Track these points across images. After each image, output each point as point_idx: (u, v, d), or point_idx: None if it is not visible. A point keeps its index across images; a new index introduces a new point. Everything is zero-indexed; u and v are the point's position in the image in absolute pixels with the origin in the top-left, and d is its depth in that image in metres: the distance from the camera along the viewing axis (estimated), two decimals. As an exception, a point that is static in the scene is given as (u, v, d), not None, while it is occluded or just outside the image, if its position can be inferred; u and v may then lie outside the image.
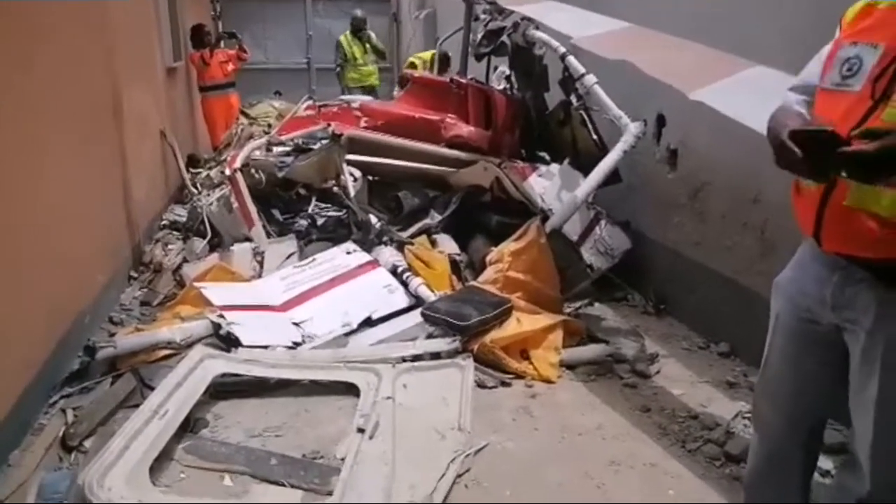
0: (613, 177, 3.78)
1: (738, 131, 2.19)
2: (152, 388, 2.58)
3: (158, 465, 2.22)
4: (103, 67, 3.96)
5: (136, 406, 2.46)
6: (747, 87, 2.30)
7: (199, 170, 6.21)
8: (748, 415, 2.55)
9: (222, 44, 7.81)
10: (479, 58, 4.60)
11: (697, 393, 2.89)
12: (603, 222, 3.87)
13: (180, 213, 5.22)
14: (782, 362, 1.64)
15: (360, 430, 2.37)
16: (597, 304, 3.81)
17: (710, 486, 2.27)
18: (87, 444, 2.41)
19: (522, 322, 3.13)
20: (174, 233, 4.82)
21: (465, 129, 4.28)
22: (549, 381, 2.95)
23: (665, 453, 2.46)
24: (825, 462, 2.27)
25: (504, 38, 4.26)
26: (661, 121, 3.74)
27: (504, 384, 2.91)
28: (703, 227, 3.43)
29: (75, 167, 3.28)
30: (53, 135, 2.99)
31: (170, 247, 4.49)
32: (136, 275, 4.15)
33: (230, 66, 7.48)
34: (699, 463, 2.40)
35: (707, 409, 2.74)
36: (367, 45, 8.55)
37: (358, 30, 8.49)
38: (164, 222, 5.11)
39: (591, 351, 3.21)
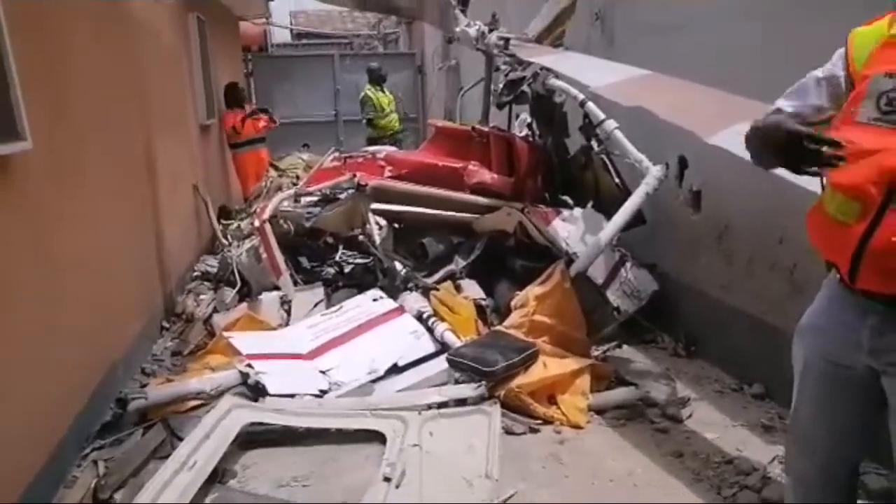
0: (637, 219, 3.78)
1: (760, 173, 2.19)
2: (182, 439, 2.61)
3: (187, 516, 2.23)
4: (140, 126, 4.15)
5: (167, 457, 2.49)
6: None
7: (231, 221, 6.38)
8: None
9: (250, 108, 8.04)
10: (500, 106, 4.70)
11: (732, 437, 2.82)
12: (628, 265, 3.85)
13: (212, 264, 5.33)
14: (813, 409, 1.60)
15: (387, 479, 2.36)
16: (625, 347, 3.77)
17: (748, 535, 2.20)
18: (118, 496, 2.43)
19: (549, 366, 3.10)
20: (205, 283, 4.92)
21: (487, 176, 4.34)
22: (577, 427, 2.91)
23: (700, 501, 2.39)
24: (869, 509, 2.19)
25: (524, 87, 4.36)
26: (682, 163, 3.76)
27: (532, 430, 2.88)
28: (731, 268, 3.40)
29: (111, 221, 3.41)
30: (91, 190, 3.12)
31: (201, 297, 4.58)
32: (168, 325, 4.24)
33: (261, 123, 7.72)
34: (736, 511, 2.32)
35: (742, 454, 2.66)
36: (392, 95, 8.85)
37: (380, 80, 8.80)
38: (195, 273, 5.22)
39: (620, 395, 3.17)
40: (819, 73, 1.56)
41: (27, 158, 2.40)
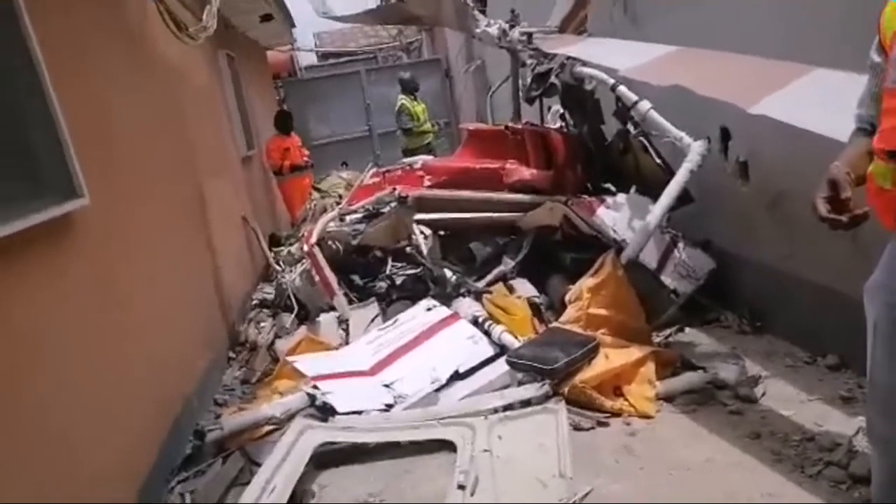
0: (685, 198, 3.71)
1: (806, 137, 2.13)
2: (259, 465, 2.69)
3: (272, 540, 2.29)
4: (186, 167, 4.31)
5: (247, 484, 2.56)
6: (808, 93, 2.24)
7: (281, 247, 6.54)
8: (870, 430, 2.38)
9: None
10: (530, 101, 4.68)
11: (810, 412, 2.72)
12: (681, 245, 3.77)
13: (268, 291, 5.47)
14: (888, 369, 1.55)
15: (461, 487, 2.37)
16: (688, 330, 3.68)
17: (839, 512, 2.12)
18: (206, 525, 2.53)
19: (611, 358, 3.06)
20: (264, 310, 5.05)
21: (526, 173, 4.32)
22: (647, 417, 2.86)
23: (784, 481, 2.31)
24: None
25: (553, 78, 4.33)
26: (725, 135, 3.66)
27: (601, 424, 2.85)
28: (789, 237, 3.29)
29: (170, 263, 3.55)
30: (147, 235, 3.26)
31: (262, 324, 4.71)
32: (234, 355, 4.37)
33: (305, 151, 7.97)
34: (823, 489, 2.24)
35: (823, 428, 2.57)
36: (424, 103, 8.90)
37: (414, 90, 8.85)
38: (254, 301, 5.37)
39: (688, 379, 3.09)
40: (869, 64, 1.60)
41: (86, 213, 2.52)
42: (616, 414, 2.89)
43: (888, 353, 1.56)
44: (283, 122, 7.78)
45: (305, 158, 7.89)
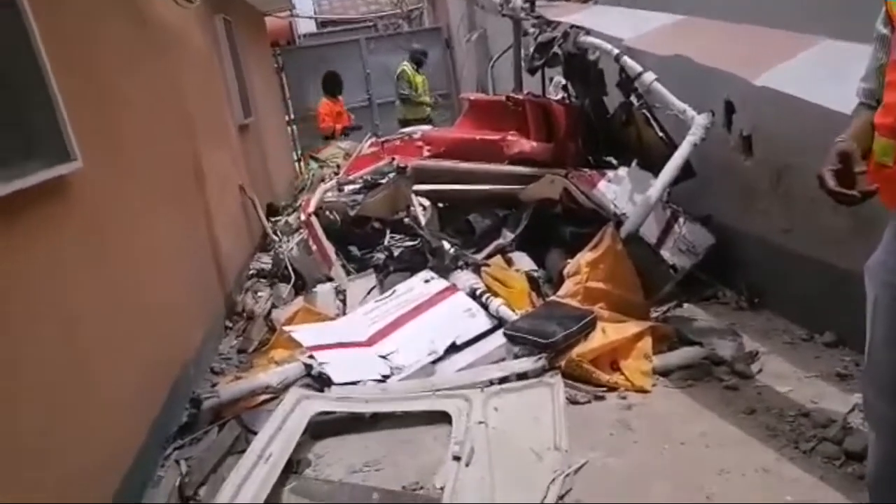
0: (686, 172, 3.66)
1: (811, 110, 2.09)
2: (255, 433, 2.70)
3: (268, 507, 2.30)
4: (183, 134, 4.24)
5: (243, 452, 2.57)
6: (814, 64, 2.19)
7: (279, 217, 6.49)
8: (866, 407, 2.38)
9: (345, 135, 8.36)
10: (532, 71, 4.60)
11: (806, 388, 2.73)
12: (681, 220, 3.74)
13: (266, 261, 5.45)
14: (887, 348, 1.53)
15: (457, 458, 2.38)
16: (686, 305, 3.67)
17: (832, 487, 2.13)
18: (202, 492, 2.54)
19: (608, 332, 3.06)
20: (262, 280, 5.03)
21: (527, 145, 4.27)
22: (643, 391, 2.86)
23: (778, 457, 2.32)
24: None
25: (555, 48, 4.25)
26: (729, 108, 3.60)
27: (597, 398, 2.85)
28: (792, 213, 3.26)
29: (166, 230, 3.51)
30: (143, 202, 3.22)
31: (259, 294, 4.70)
32: (230, 324, 4.36)
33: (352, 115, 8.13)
34: (816, 464, 2.25)
35: (819, 405, 2.57)
36: (424, 77, 8.85)
37: (420, 62, 8.80)
38: (251, 271, 5.34)
39: (684, 355, 3.09)
40: (875, 35, 1.54)
41: (80, 176, 2.47)
42: (612, 388, 2.89)
43: (887, 332, 1.55)
44: (333, 85, 7.69)
45: (352, 121, 7.97)
